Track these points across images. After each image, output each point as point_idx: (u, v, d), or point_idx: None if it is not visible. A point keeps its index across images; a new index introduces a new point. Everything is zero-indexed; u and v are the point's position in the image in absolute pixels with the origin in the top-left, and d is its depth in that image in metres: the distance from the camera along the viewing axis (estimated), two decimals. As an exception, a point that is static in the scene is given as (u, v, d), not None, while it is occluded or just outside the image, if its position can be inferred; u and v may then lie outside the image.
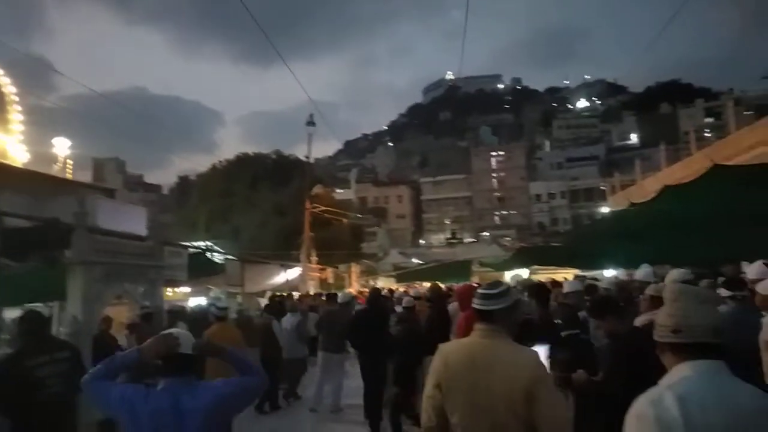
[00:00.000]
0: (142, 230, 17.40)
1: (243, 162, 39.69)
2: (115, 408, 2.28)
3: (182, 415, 2.23)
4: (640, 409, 1.67)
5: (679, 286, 1.92)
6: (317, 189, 23.76)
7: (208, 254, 12.07)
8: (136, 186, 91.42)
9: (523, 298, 5.71)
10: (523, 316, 3.30)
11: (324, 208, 20.75)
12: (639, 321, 3.75)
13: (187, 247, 9.71)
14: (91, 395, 2.34)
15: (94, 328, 6.05)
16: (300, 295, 14.08)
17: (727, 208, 6.85)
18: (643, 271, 6.54)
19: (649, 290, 4.01)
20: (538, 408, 2.32)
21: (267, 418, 8.04)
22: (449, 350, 2.62)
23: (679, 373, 1.72)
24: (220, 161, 41.36)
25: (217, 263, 12.06)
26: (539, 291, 4.88)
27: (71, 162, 23.02)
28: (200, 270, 10.72)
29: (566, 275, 31.98)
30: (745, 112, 42.56)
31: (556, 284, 8.96)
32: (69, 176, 21.00)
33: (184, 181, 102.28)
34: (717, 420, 1.56)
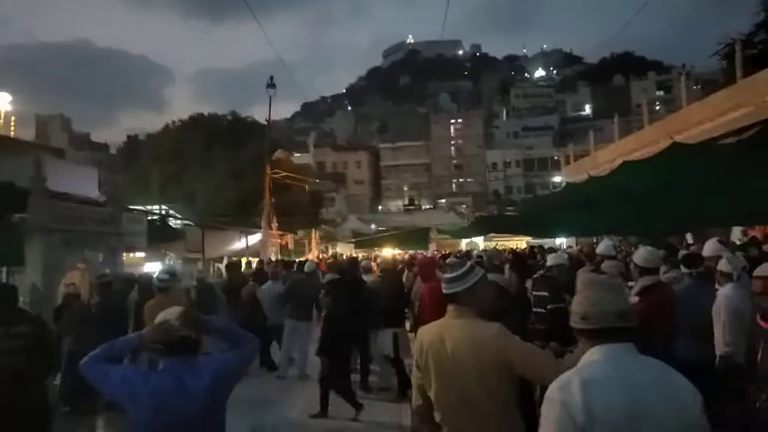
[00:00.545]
0: (93, 192, 16.83)
1: (197, 122, 38.29)
2: (116, 390, 2.26)
3: (186, 394, 2.23)
4: (550, 393, 1.80)
5: (588, 276, 2.05)
6: (278, 154, 23.40)
7: (167, 220, 11.78)
8: (82, 145, 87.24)
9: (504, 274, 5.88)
10: (504, 289, 3.40)
11: (285, 173, 20.44)
12: None
13: (146, 213, 9.41)
14: (90, 378, 2.31)
15: (53, 295, 5.87)
16: (276, 261, 13.94)
17: (680, 183, 7.16)
18: (604, 245, 6.77)
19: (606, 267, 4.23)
20: (521, 369, 2.41)
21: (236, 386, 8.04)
22: (424, 331, 2.76)
23: (589, 358, 1.84)
24: (173, 121, 39.92)
25: (176, 229, 11.80)
26: (519, 263, 4.95)
27: (13, 118, 21.73)
28: (160, 236, 10.48)
29: (519, 243, 32.96)
30: (694, 87, 44.05)
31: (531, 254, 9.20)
32: (11, 134, 19.84)
33: (132, 140, 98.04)
34: (618, 400, 1.68)
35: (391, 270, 8.31)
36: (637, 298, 3.60)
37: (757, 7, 22.80)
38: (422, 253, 19.22)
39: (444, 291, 2.67)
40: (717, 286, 4.05)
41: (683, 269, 4.26)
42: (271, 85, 17.47)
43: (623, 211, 9.62)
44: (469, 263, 2.72)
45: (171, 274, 6.08)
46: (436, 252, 20.40)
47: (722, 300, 3.73)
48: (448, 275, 2.68)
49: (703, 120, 16.82)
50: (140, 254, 14.13)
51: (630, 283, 4.83)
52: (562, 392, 1.75)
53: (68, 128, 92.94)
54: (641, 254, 3.77)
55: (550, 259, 5.22)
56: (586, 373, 1.77)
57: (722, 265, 4.03)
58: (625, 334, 1.84)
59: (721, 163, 6.32)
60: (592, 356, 1.83)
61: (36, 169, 5.87)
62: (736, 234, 14.56)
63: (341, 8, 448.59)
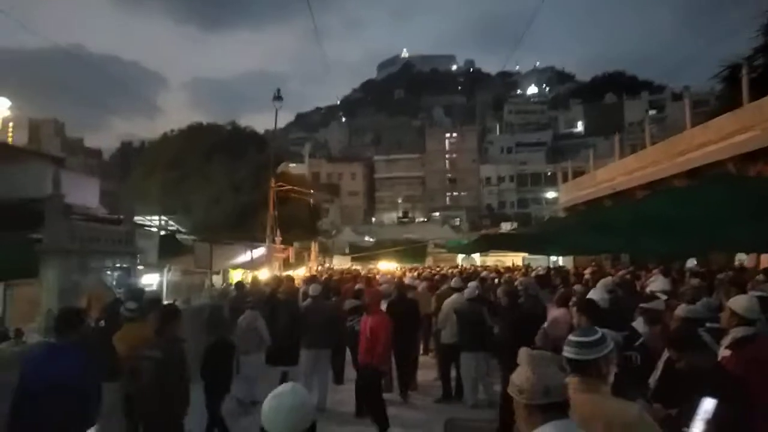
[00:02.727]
0: (94, 203, 16.40)
1: (196, 132, 37.80)
2: None
3: None
4: None
5: (535, 353, 2.09)
6: (282, 167, 23.02)
7: (176, 236, 11.44)
8: (76, 150, 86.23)
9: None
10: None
11: (290, 186, 20.15)
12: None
13: (158, 228, 9.07)
14: None
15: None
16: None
17: (715, 210, 6.99)
18: (662, 282, 6.31)
19: (681, 311, 3.91)
20: None
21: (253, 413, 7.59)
22: None
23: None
24: (172, 130, 39.40)
25: (185, 244, 11.45)
26: (590, 307, 4.39)
27: (11, 124, 21.24)
28: (168, 251, 10.12)
29: (515, 258, 32.58)
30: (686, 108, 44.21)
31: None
32: (9, 140, 19.37)
33: (126, 146, 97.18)
34: None
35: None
36: (729, 352, 3.27)
37: (755, 31, 22.94)
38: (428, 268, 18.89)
39: (571, 356, 2.35)
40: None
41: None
42: (278, 97, 17.14)
43: (643, 234, 9.49)
44: (600, 332, 2.38)
45: (139, 303, 5.82)
46: (451, 269, 19.92)
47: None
48: (578, 338, 2.37)
49: (707, 142, 16.78)
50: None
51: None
52: None
53: (61, 133, 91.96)
54: (740, 303, 3.43)
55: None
56: None
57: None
58: (564, 408, 1.96)
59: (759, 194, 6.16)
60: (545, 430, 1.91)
61: (54, 186, 5.53)
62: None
63: (336, 20, 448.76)
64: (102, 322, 5.99)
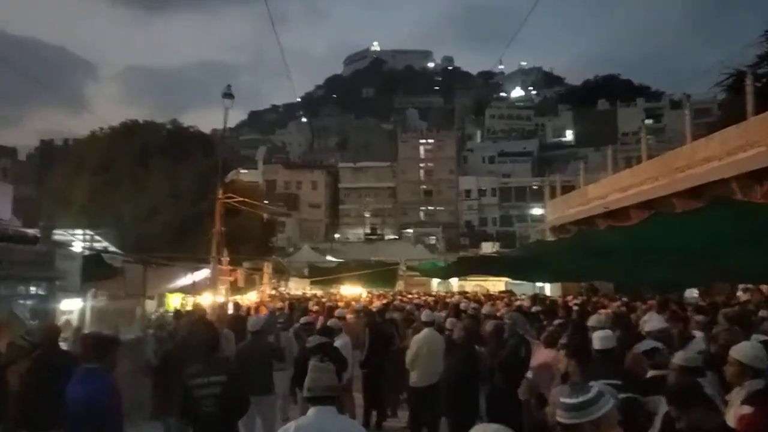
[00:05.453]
0: (6, 213, 15.90)
1: (131, 131, 36.96)
2: None
3: None
4: None
5: (312, 364, 3.79)
6: (232, 175, 22.62)
7: (102, 256, 11.12)
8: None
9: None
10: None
11: (240, 198, 19.87)
12: None
13: (83, 249, 8.82)
14: None
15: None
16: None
17: (716, 238, 7.20)
18: (657, 320, 6.28)
19: (678, 360, 3.90)
20: None
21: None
22: None
23: (307, 414, 3.47)
24: (102, 128, 38.41)
25: (114, 266, 11.15)
26: (581, 347, 4.33)
27: None
28: (95, 275, 9.84)
29: (496, 283, 33.10)
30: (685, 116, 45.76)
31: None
32: None
33: (47, 145, 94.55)
34: None
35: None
36: (750, 408, 3.26)
37: (759, 37, 23.87)
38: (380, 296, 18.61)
39: (562, 420, 2.36)
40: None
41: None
42: (228, 94, 16.79)
43: (638, 261, 9.75)
44: (596, 388, 2.38)
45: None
46: (425, 296, 19.91)
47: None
48: (568, 400, 2.36)
49: (710, 158, 17.30)
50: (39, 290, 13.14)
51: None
52: None
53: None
54: (746, 352, 3.44)
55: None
56: (299, 422, 3.47)
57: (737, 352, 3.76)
58: (331, 400, 3.56)
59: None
60: (309, 413, 3.48)
61: (-43, 199, 5.32)
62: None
63: (296, 7, 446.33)
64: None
